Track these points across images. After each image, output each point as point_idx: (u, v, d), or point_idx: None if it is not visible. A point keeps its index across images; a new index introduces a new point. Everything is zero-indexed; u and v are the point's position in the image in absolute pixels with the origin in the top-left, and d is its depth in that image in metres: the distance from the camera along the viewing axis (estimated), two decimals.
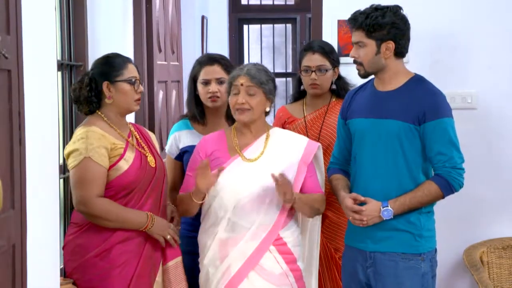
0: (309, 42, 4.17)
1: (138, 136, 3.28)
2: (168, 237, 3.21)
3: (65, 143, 3.75)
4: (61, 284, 3.00)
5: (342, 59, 3.97)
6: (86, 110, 3.22)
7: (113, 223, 3.09)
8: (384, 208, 3.11)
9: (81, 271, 3.12)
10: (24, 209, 2.54)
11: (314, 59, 3.80)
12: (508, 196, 4.32)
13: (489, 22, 4.28)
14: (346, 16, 3.26)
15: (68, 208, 3.89)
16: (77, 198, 3.09)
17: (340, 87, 3.87)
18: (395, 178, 3.14)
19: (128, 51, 4.74)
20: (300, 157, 3.29)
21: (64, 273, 3.19)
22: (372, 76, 3.27)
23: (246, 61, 8.90)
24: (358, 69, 3.23)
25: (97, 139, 3.09)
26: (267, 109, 3.31)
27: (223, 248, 3.21)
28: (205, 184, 3.17)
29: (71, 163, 3.11)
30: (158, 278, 3.22)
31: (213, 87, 3.57)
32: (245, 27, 9.06)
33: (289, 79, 9.00)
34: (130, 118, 4.41)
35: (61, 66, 3.87)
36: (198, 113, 3.64)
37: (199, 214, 3.33)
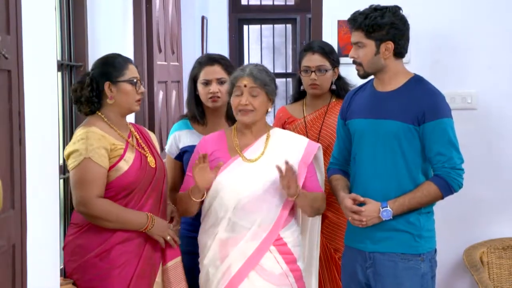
0: (309, 42, 4.17)
1: (138, 137, 3.28)
2: (168, 238, 3.21)
3: (65, 143, 3.74)
4: (61, 284, 3.00)
5: (342, 60, 3.96)
6: (86, 110, 3.21)
7: (113, 223, 3.09)
8: (384, 209, 3.11)
9: (81, 271, 3.12)
10: (24, 209, 2.54)
11: (314, 60, 3.80)
12: (508, 196, 4.31)
13: (489, 22, 4.28)
14: (346, 16, 3.26)
15: (68, 208, 3.88)
16: (77, 199, 3.09)
17: (340, 88, 3.87)
18: (394, 178, 3.14)
19: (128, 51, 4.74)
20: (300, 157, 3.29)
21: (64, 274, 3.20)
22: (372, 77, 3.27)
23: (246, 62, 8.90)
24: (357, 70, 3.23)
25: (97, 140, 3.09)
26: (269, 110, 3.31)
27: (223, 248, 3.21)
28: (204, 180, 3.17)
29: (71, 163, 3.10)
30: (158, 278, 3.22)
31: (214, 87, 3.57)
32: (245, 27, 9.05)
33: (289, 79, 9.00)
34: (130, 118, 4.41)
35: (61, 66, 3.86)
36: (198, 113, 3.64)
37: (199, 214, 3.33)
